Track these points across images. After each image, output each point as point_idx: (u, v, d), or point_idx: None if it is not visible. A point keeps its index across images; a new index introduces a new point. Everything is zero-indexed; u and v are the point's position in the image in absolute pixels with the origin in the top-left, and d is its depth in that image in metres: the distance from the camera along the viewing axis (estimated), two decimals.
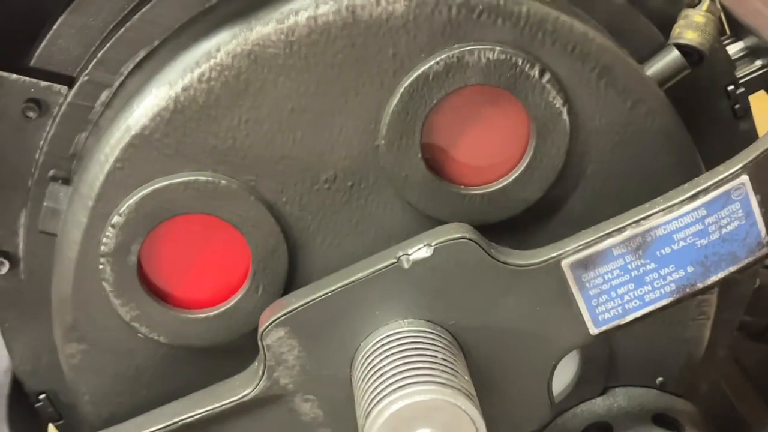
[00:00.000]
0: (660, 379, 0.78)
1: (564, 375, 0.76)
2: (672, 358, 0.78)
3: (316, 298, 0.64)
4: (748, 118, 0.79)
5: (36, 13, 0.76)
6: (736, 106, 0.78)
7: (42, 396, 0.81)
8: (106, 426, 0.73)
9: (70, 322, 0.70)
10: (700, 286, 0.63)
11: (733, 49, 0.82)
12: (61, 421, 0.81)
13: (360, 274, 0.64)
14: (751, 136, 0.78)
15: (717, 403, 0.98)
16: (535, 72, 0.65)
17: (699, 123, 0.76)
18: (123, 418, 0.72)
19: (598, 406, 0.77)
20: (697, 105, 0.77)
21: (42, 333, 0.76)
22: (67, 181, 0.73)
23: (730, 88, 0.78)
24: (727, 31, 0.85)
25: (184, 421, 0.66)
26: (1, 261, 0.76)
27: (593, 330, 0.64)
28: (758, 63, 0.80)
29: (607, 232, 0.63)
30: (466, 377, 0.62)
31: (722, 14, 0.82)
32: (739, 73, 0.79)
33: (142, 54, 0.72)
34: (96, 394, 0.73)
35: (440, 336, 0.64)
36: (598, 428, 0.76)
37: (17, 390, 0.82)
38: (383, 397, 0.60)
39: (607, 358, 0.76)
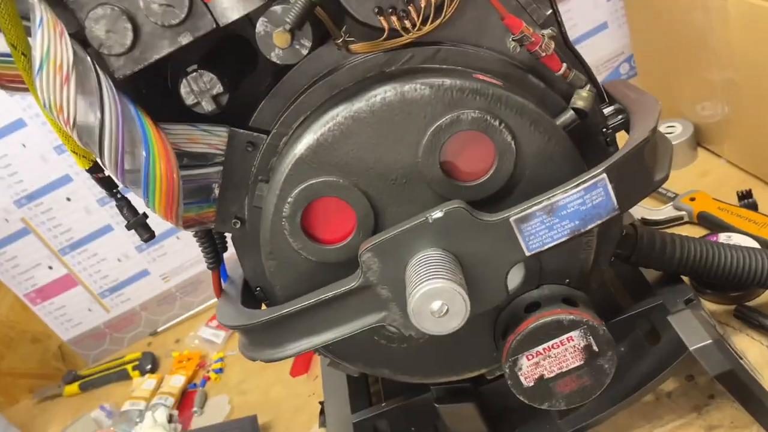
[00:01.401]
0: (567, 280, 0.98)
1: (516, 279, 0.96)
2: (573, 268, 0.97)
3: (383, 239, 0.86)
4: (614, 146, 0.99)
5: (253, 96, 0.97)
6: (608, 140, 0.99)
7: (258, 288, 1.05)
8: None
9: (268, 251, 0.93)
10: (582, 230, 0.85)
11: (608, 109, 1.00)
12: (267, 301, 1.05)
13: (406, 226, 0.85)
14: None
15: (604, 296, 1.15)
16: (497, 123, 0.87)
17: (589, 149, 0.96)
18: (294, 299, 0.91)
19: (534, 294, 0.97)
20: (588, 139, 0.97)
21: (256, 258, 0.98)
22: (266, 181, 0.93)
23: (604, 130, 0.99)
24: (606, 100, 1.01)
25: (320, 299, 0.89)
26: (238, 221, 0.99)
27: (527, 253, 0.87)
28: (620, 117, 0.99)
29: (534, 203, 0.84)
30: (460, 276, 0.84)
31: (602, 91, 1.00)
32: (610, 123, 0.99)
33: (302, 118, 0.93)
34: (281, 286, 0.96)
35: (449, 256, 0.86)
36: (533, 305, 0.95)
37: (246, 285, 1.05)
38: (417, 285, 0.82)
39: (539, 269, 0.95)
